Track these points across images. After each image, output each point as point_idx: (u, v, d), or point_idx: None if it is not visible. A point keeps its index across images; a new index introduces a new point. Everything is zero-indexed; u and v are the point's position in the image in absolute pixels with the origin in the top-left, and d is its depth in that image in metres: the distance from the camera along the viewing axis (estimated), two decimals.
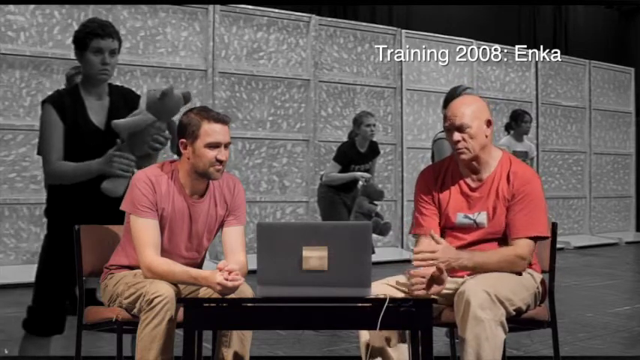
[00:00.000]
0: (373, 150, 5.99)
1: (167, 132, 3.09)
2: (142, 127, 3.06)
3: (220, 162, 2.68)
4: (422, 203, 2.85)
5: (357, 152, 5.88)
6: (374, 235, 5.51)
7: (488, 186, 2.77)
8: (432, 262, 2.54)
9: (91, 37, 3.11)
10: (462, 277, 2.71)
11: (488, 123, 2.77)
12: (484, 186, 2.78)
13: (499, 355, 2.51)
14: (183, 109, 2.97)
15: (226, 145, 2.69)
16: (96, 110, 3.17)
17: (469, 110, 2.74)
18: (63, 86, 4.84)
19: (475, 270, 2.67)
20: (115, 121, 3.08)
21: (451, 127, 2.74)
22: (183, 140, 2.68)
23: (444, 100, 4.44)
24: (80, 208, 3.11)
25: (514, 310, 2.61)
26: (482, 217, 2.76)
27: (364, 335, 2.69)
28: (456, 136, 2.73)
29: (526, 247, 2.70)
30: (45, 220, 3.34)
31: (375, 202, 5.91)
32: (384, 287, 2.65)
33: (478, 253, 2.69)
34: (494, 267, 2.66)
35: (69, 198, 3.15)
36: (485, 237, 2.76)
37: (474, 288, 2.52)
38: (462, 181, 2.81)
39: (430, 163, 4.49)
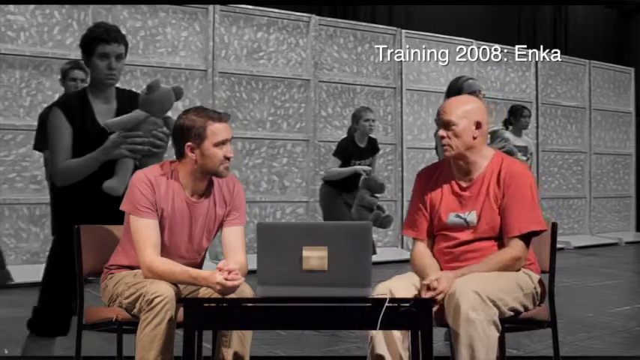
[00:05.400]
0: (372, 146, 6.00)
1: (165, 128, 3.09)
2: (136, 124, 3.06)
3: (228, 159, 2.71)
4: (415, 205, 2.88)
5: (356, 147, 5.88)
6: (374, 230, 5.49)
7: (479, 185, 2.78)
8: (440, 294, 2.59)
9: (97, 42, 3.13)
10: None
11: (478, 125, 2.76)
12: (474, 185, 2.79)
13: (493, 354, 2.50)
14: (180, 108, 2.97)
15: (229, 142, 2.73)
16: (103, 114, 3.18)
17: (459, 109, 2.76)
18: (59, 83, 4.90)
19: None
20: (107, 120, 3.09)
21: (439, 122, 2.82)
22: (190, 144, 2.69)
23: (447, 91, 4.47)
24: (88, 209, 3.11)
25: (510, 310, 2.61)
26: (472, 217, 2.76)
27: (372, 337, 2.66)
28: (442, 132, 2.78)
29: (519, 247, 2.72)
30: (45, 220, 3.35)
31: (376, 195, 5.90)
32: (388, 287, 2.64)
33: (475, 265, 2.70)
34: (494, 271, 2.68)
35: (77, 199, 3.16)
36: (477, 237, 2.75)
37: (463, 289, 2.52)
38: (453, 182, 2.83)
39: (434, 158, 4.49)
